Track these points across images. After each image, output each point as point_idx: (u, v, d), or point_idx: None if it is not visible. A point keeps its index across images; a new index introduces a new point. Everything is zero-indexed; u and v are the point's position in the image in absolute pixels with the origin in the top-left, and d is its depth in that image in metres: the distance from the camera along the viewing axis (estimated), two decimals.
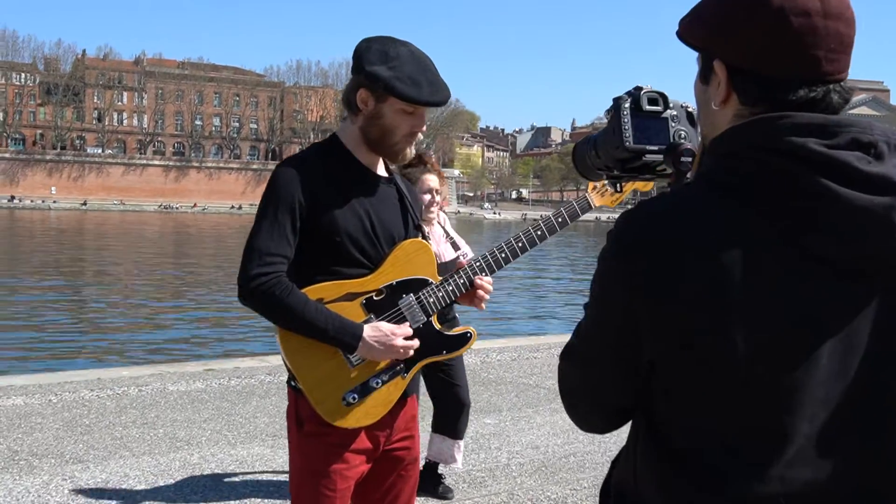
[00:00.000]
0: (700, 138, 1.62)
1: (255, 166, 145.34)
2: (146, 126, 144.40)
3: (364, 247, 2.82)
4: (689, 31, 1.50)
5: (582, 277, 32.28)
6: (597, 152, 1.83)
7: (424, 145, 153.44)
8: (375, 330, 2.79)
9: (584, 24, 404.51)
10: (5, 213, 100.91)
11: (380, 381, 2.84)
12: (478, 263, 3.05)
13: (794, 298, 1.32)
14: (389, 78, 2.72)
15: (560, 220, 3.22)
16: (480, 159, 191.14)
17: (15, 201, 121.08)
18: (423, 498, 5.27)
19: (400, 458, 2.99)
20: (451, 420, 5.34)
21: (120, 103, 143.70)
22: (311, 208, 2.75)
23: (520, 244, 3.11)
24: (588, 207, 3.37)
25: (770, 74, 1.38)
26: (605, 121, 1.84)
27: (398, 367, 2.88)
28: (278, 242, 2.72)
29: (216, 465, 5.80)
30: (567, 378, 1.56)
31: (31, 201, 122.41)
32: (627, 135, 1.74)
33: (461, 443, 5.40)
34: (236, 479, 5.56)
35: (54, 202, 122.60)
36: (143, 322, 19.72)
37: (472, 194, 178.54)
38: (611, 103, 1.80)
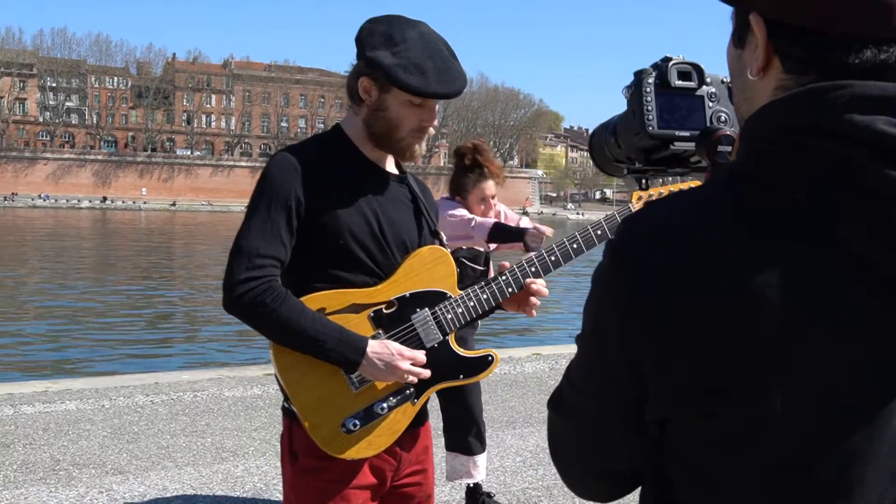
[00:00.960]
0: (736, 113, 1.25)
1: None
2: (233, 128, 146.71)
3: (372, 251, 2.48)
4: None
5: None
6: (616, 140, 1.47)
7: (508, 145, 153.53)
8: (382, 346, 2.44)
9: (670, 21, 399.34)
10: (98, 213, 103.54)
11: (386, 406, 2.49)
12: (529, 263, 2.69)
13: (856, 339, 0.95)
14: (392, 66, 2.38)
15: (599, 233, 2.83)
16: (564, 159, 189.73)
17: (107, 202, 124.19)
18: None
19: (410, 494, 2.64)
20: (460, 436, 4.93)
21: (208, 105, 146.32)
22: (310, 205, 2.41)
23: (553, 258, 2.74)
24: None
25: (823, 30, 0.99)
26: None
27: (408, 392, 2.53)
28: (270, 243, 2.38)
29: (259, 478, 5.54)
30: (556, 433, 1.21)
31: (123, 202, 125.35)
32: (651, 117, 1.38)
33: (478, 458, 4.98)
34: (278, 493, 5.29)
35: (144, 203, 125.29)
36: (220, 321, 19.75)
37: (555, 195, 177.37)
38: (632, 78, 1.45)
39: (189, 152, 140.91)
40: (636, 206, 2.98)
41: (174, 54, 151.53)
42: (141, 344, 15.55)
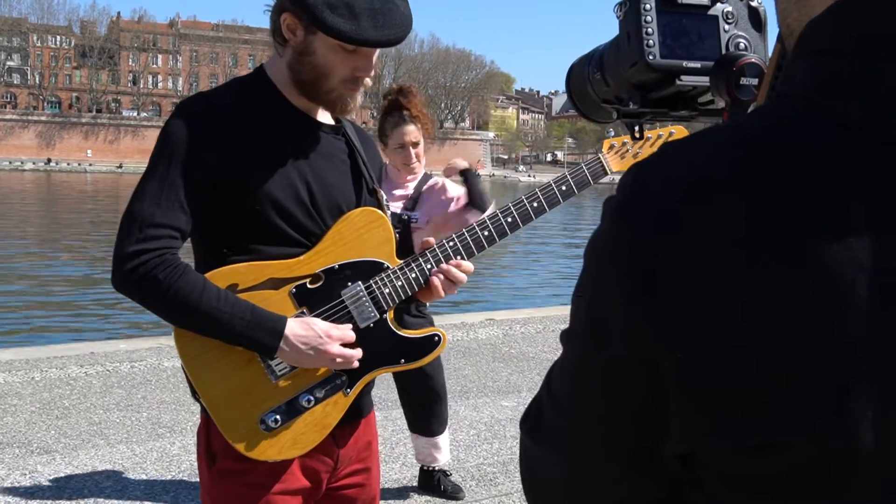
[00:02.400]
0: (778, 39, 0.94)
1: None
2: (181, 89, 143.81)
3: (297, 218, 2.10)
4: None
5: None
6: (603, 76, 1.15)
7: (459, 107, 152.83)
8: (304, 327, 2.08)
9: None
10: (42, 175, 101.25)
11: (312, 398, 2.14)
12: (451, 244, 2.31)
13: None
14: (316, 3, 1.99)
15: (564, 188, 2.47)
16: (515, 122, 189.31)
17: (52, 164, 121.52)
18: (426, 497, 4.66)
19: (351, 497, 2.30)
20: (423, 416, 4.64)
21: (155, 66, 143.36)
22: (220, 163, 2.03)
23: (509, 219, 2.36)
24: (602, 173, 2.57)
25: None
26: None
27: (339, 381, 2.17)
28: (167, 209, 2.01)
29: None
30: (532, 466, 0.88)
31: (68, 164, 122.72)
32: (651, 43, 1.06)
33: (440, 439, 4.70)
34: None
35: (90, 165, 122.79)
36: None
37: (506, 157, 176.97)
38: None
39: (135, 113, 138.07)
40: (608, 156, 2.63)
41: (118, 13, 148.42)
42: (80, 310, 15.01)
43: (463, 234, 2.31)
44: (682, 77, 1.07)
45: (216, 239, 2.10)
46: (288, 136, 2.13)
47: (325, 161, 2.17)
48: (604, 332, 0.76)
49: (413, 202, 4.52)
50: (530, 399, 0.81)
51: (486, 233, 2.33)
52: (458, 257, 2.29)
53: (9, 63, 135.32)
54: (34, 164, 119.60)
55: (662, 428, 0.74)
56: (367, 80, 2.15)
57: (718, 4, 1.09)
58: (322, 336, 2.08)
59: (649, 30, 1.05)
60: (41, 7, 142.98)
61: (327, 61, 2.08)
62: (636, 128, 1.17)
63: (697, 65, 1.07)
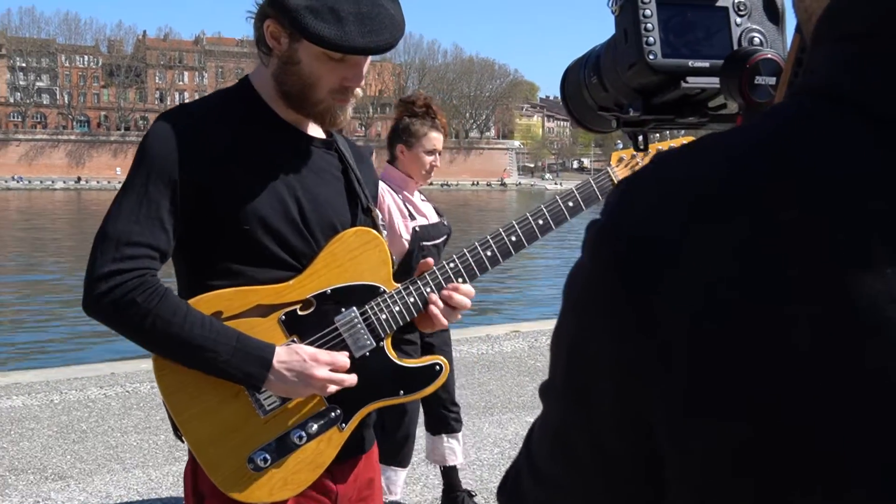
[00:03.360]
0: (797, 30, 0.80)
1: None
2: None
3: (287, 239, 1.96)
4: None
5: None
6: (601, 79, 1.02)
7: (484, 117, 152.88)
8: (289, 352, 1.92)
9: None
10: (73, 194, 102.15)
11: (304, 434, 1.98)
12: (451, 265, 2.15)
13: None
14: (298, 8, 1.84)
15: (571, 204, 2.31)
16: (541, 130, 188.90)
17: (82, 182, 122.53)
18: None
19: None
20: (438, 415, 4.54)
21: (181, 83, 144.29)
22: (203, 180, 1.90)
23: (513, 238, 2.21)
24: (611, 187, 2.45)
25: None
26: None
27: (333, 415, 2.02)
28: (146, 227, 1.86)
29: None
30: None
31: (97, 182, 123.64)
32: (651, 41, 0.93)
33: (455, 439, 4.59)
34: None
35: (119, 182, 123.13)
36: None
37: (532, 165, 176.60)
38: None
39: None
40: (616, 168, 2.47)
41: (144, 31, 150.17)
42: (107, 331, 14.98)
43: (464, 254, 2.17)
44: (688, 78, 0.93)
45: (199, 262, 1.97)
46: (275, 151, 1.99)
47: (316, 177, 2.03)
48: (587, 387, 0.62)
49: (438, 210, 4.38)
50: None
51: (488, 253, 2.18)
52: (460, 280, 2.14)
53: (38, 84, 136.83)
54: (64, 182, 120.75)
55: (659, 482, 0.60)
56: (357, 91, 2.01)
57: None
58: (307, 360, 1.93)
59: (649, 25, 0.92)
60: (69, 28, 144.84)
61: (313, 71, 1.94)
62: (639, 138, 1.03)
63: (705, 64, 0.93)
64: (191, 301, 1.91)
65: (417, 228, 4.12)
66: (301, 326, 1.99)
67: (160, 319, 1.85)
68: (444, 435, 4.54)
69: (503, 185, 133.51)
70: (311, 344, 1.99)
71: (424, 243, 4.12)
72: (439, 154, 4.28)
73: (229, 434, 1.95)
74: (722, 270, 0.54)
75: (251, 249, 1.94)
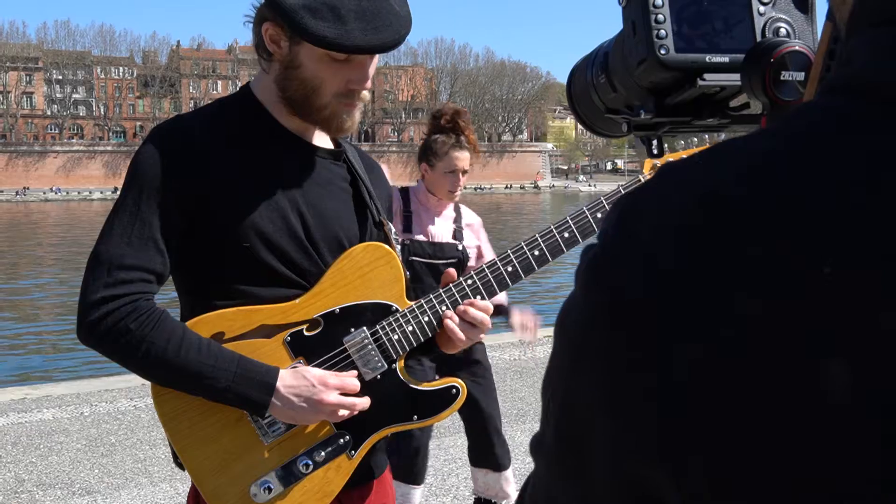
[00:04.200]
0: (828, 17, 0.70)
1: None
2: None
3: (292, 256, 1.86)
4: None
5: None
6: (609, 79, 0.92)
7: (517, 119, 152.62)
8: (296, 376, 1.83)
9: None
10: (110, 204, 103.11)
11: (311, 462, 1.89)
12: (469, 282, 2.03)
13: None
14: (296, 8, 1.74)
15: (599, 215, 2.16)
16: (574, 131, 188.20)
17: (118, 192, 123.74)
18: None
19: None
20: (484, 449, 4.37)
21: (215, 92, 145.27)
22: (200, 196, 1.80)
23: (536, 252, 2.08)
24: None
25: None
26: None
27: (342, 441, 1.91)
28: (139, 249, 1.78)
29: None
30: None
31: None
32: (663, 34, 0.83)
33: (508, 472, 4.43)
34: None
35: None
36: None
37: (566, 167, 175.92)
38: None
39: None
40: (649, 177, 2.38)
41: (178, 42, 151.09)
42: None
43: (483, 270, 2.06)
44: (706, 75, 0.83)
45: (200, 281, 1.88)
46: (278, 162, 1.90)
47: (322, 189, 1.93)
48: (581, 448, 0.52)
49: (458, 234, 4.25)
50: None
51: (509, 269, 2.06)
52: (478, 297, 2.03)
53: (74, 96, 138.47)
54: (101, 193, 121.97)
55: None
56: (365, 94, 1.91)
57: None
58: (316, 384, 1.83)
59: (660, 17, 0.82)
60: (104, 40, 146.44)
61: (316, 74, 1.84)
62: (653, 141, 0.93)
63: (725, 59, 0.83)
64: (191, 322, 1.83)
65: (408, 242, 4.00)
66: (307, 348, 1.90)
67: (155, 346, 1.76)
68: (487, 470, 4.41)
69: (536, 187, 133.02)
70: (318, 366, 1.90)
71: (415, 259, 4.00)
72: (464, 173, 4.13)
73: (231, 462, 1.86)
74: (728, 311, 0.44)
75: (252, 267, 1.84)
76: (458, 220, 4.24)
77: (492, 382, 4.44)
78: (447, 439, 5.36)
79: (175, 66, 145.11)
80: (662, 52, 0.81)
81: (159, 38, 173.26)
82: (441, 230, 4.14)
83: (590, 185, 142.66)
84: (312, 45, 1.78)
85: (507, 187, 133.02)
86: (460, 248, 4.18)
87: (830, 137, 0.47)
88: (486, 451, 4.35)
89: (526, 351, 8.84)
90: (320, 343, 1.91)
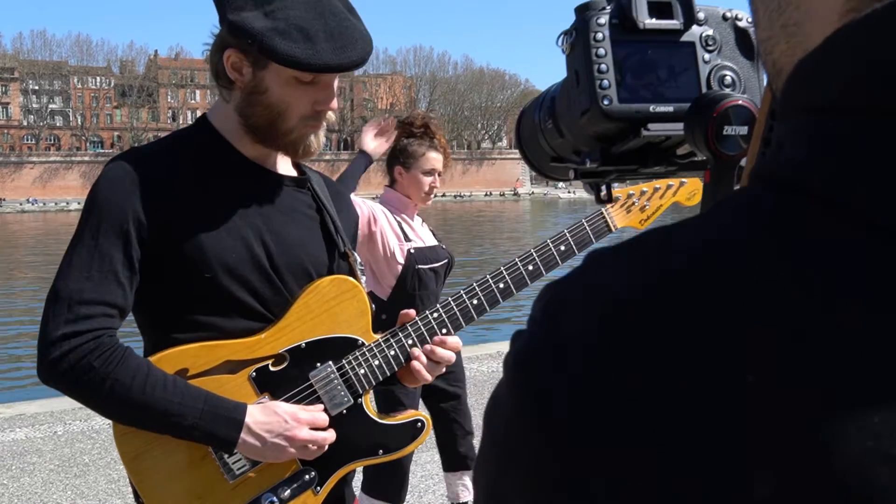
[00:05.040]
0: (766, 66, 0.69)
1: (327, 157, 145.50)
2: None
3: (254, 285, 1.83)
4: None
5: None
6: (556, 124, 0.90)
7: (496, 127, 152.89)
8: (267, 412, 1.80)
9: None
10: None
11: (276, 499, 1.86)
12: (435, 315, 2.03)
13: None
14: (264, 31, 1.72)
15: (563, 248, 2.24)
16: None
17: None
18: None
19: None
20: (455, 452, 4.39)
21: (193, 101, 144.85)
22: (160, 227, 1.77)
23: (501, 285, 2.11)
24: (606, 230, 2.36)
25: None
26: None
27: (307, 478, 1.89)
28: (100, 283, 1.73)
29: None
30: None
31: None
32: (606, 84, 0.82)
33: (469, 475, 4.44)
34: None
35: None
36: None
37: None
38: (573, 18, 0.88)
39: None
40: (612, 211, 2.37)
41: (156, 51, 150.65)
42: None
43: (449, 303, 2.06)
44: (650, 126, 0.81)
45: (162, 314, 1.85)
46: (238, 191, 1.87)
47: (286, 217, 1.90)
48: None
49: (435, 235, 4.28)
50: None
51: (475, 301, 2.08)
52: (444, 330, 2.02)
53: (51, 106, 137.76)
54: (79, 203, 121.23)
55: None
56: (330, 115, 1.89)
57: (695, 27, 0.84)
58: (288, 420, 1.81)
59: (603, 66, 0.80)
60: (80, 49, 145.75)
61: (283, 97, 1.82)
62: (601, 188, 0.92)
63: (669, 108, 0.82)
64: (154, 358, 1.79)
65: (412, 251, 4.01)
66: (273, 383, 1.87)
67: (119, 384, 1.72)
68: (459, 472, 4.41)
69: (516, 194, 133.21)
70: (284, 402, 1.87)
71: (420, 266, 4.00)
72: (439, 175, 4.16)
73: (195, 502, 1.83)
74: (646, 415, 0.42)
75: (216, 298, 1.81)
76: (425, 221, 4.27)
77: (464, 385, 4.47)
78: (424, 454, 5.34)
79: (153, 75, 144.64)
80: (605, 102, 0.80)
81: (137, 48, 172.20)
82: (426, 234, 4.15)
83: (569, 192, 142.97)
84: (283, 66, 1.76)
85: (486, 194, 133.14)
86: (445, 247, 4.21)
87: (753, 247, 0.45)
88: (458, 454, 4.36)
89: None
90: (286, 378, 1.88)
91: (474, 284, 2.10)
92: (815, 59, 0.48)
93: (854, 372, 0.40)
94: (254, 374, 1.86)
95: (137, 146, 1.93)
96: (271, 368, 1.87)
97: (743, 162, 0.81)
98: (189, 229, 1.79)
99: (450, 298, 2.08)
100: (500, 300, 2.12)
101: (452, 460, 4.40)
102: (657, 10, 0.82)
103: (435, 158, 4.12)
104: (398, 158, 4.16)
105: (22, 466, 5.90)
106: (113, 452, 6.07)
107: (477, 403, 7.08)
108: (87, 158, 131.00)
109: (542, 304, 0.50)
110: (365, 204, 4.02)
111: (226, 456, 1.84)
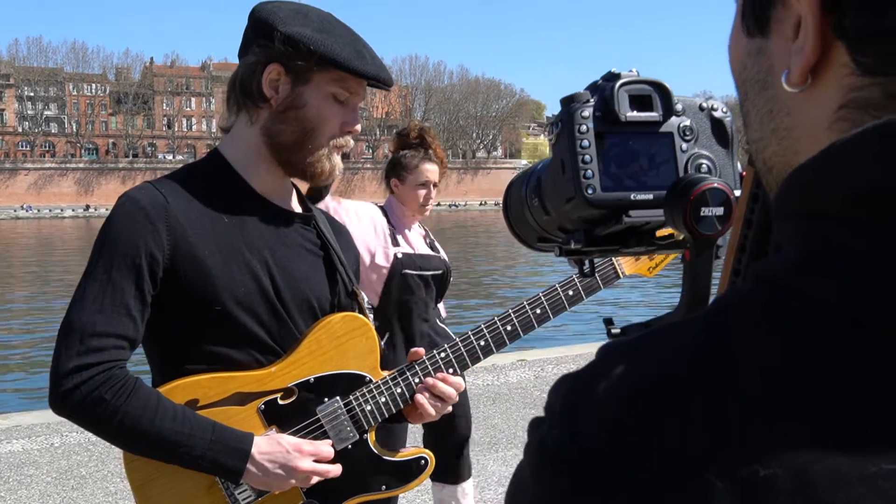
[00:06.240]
0: (750, 162, 0.75)
1: None
2: (214, 130, 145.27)
3: (262, 318, 1.89)
4: None
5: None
6: (542, 203, 0.96)
7: (491, 136, 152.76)
8: (271, 443, 1.86)
9: (652, 4, 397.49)
10: (82, 222, 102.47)
11: None
12: (443, 354, 2.11)
13: None
14: (323, 40, 1.83)
15: (571, 293, 2.33)
16: (548, 148, 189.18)
17: (91, 210, 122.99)
18: None
19: None
20: (446, 462, 4.36)
21: (188, 109, 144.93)
22: (171, 261, 1.83)
23: (509, 328, 2.21)
24: (615, 276, 2.44)
25: None
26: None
27: None
28: (112, 316, 1.79)
29: None
30: None
31: (106, 209, 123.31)
32: (590, 174, 0.87)
33: (466, 485, 4.46)
34: None
35: None
36: None
37: None
38: (559, 107, 0.93)
39: (171, 157, 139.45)
40: (621, 258, 2.42)
41: (151, 58, 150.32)
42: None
43: (456, 344, 2.15)
44: (631, 212, 0.87)
45: (171, 345, 1.91)
46: (247, 225, 1.93)
47: (292, 252, 1.97)
48: None
49: (433, 246, 4.33)
50: None
51: (482, 343, 2.17)
52: (450, 370, 2.10)
53: (46, 113, 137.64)
54: (73, 210, 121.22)
55: None
56: (350, 142, 1.97)
57: (673, 118, 0.89)
58: (290, 451, 1.87)
59: (587, 157, 0.86)
60: (76, 56, 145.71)
61: (319, 113, 1.90)
62: (584, 264, 0.97)
63: (649, 196, 0.87)
64: (166, 388, 1.85)
65: (400, 255, 4.05)
66: (281, 416, 1.93)
67: (130, 416, 1.77)
68: (443, 484, 4.44)
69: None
70: (291, 435, 1.93)
71: (407, 271, 4.05)
72: (434, 186, 4.22)
73: None
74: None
75: (224, 330, 1.88)
76: (427, 233, 4.32)
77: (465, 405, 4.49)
78: None
79: (148, 82, 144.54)
80: (589, 191, 0.85)
81: (132, 55, 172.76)
82: (418, 243, 4.21)
83: None
84: (341, 70, 1.85)
85: (481, 204, 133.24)
86: (444, 258, 4.27)
87: (758, 344, 0.50)
88: (444, 464, 4.38)
89: (499, 376, 8.87)
90: (294, 412, 1.94)
91: (482, 325, 2.19)
92: (812, 171, 0.53)
93: (831, 454, 0.45)
94: (262, 406, 1.91)
95: (150, 180, 1.98)
96: (280, 402, 1.93)
97: (721, 246, 0.87)
98: (200, 263, 1.85)
99: (458, 339, 2.16)
100: (508, 342, 2.22)
101: (439, 471, 4.42)
102: (637, 103, 0.88)
103: (430, 170, 4.18)
104: (394, 170, 4.23)
105: (19, 479, 5.94)
106: (110, 465, 6.12)
107: (473, 416, 7.14)
108: (81, 165, 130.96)
109: (560, 395, 0.55)
110: (359, 206, 4.08)
111: (232, 486, 1.90)
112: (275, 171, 1.97)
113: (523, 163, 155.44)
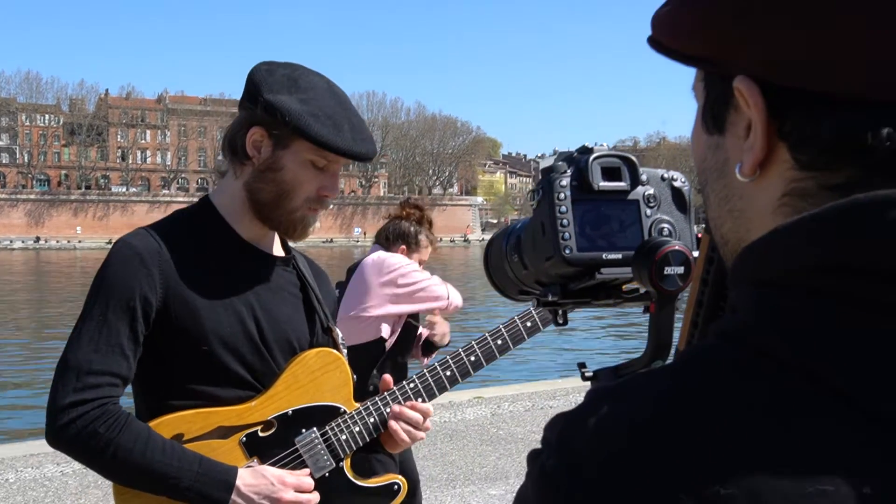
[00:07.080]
0: (706, 230, 0.87)
1: None
2: (169, 163, 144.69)
3: (246, 357, 2.01)
4: (678, 27, 0.69)
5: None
6: (521, 258, 1.08)
7: (447, 173, 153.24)
8: (255, 475, 1.97)
9: (605, 45, 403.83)
10: (32, 254, 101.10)
11: None
12: (412, 385, 2.26)
13: None
14: (300, 113, 1.94)
15: (529, 325, 2.51)
16: (503, 186, 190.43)
17: (41, 242, 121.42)
18: None
19: None
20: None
21: (143, 141, 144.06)
22: (163, 303, 1.96)
23: (472, 358, 2.37)
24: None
25: (866, 97, 0.60)
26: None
27: None
28: (106, 355, 1.91)
29: None
30: None
31: (57, 241, 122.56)
32: (567, 236, 0.98)
33: None
34: None
35: (80, 242, 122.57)
36: None
37: (495, 221, 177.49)
38: (538, 176, 1.06)
39: (125, 189, 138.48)
40: None
41: (107, 90, 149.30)
42: None
43: (424, 374, 2.30)
44: (603, 270, 0.99)
45: (158, 382, 2.02)
46: (235, 270, 2.06)
47: (275, 295, 2.10)
48: None
49: None
50: (518, 486, 0.68)
51: (448, 373, 2.32)
52: (420, 399, 2.24)
53: None
54: (23, 242, 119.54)
55: None
56: (329, 204, 2.10)
57: (639, 188, 1.02)
58: (275, 483, 1.98)
59: (564, 221, 0.98)
60: (30, 87, 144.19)
61: (295, 177, 2.01)
62: (559, 313, 1.09)
63: (618, 255, 0.99)
64: (153, 423, 1.96)
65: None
66: (261, 448, 2.04)
67: (122, 449, 1.88)
68: None
69: (466, 241, 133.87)
70: (272, 465, 2.04)
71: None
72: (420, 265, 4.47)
73: None
74: None
75: (210, 368, 1.99)
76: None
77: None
78: None
79: (103, 114, 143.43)
80: (567, 251, 0.97)
81: (87, 86, 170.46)
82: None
83: None
84: (314, 144, 1.96)
85: (437, 240, 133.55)
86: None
87: (719, 385, 0.61)
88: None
89: (456, 413, 8.95)
90: (274, 443, 2.06)
91: (447, 357, 2.33)
92: (762, 250, 0.65)
93: (778, 477, 0.56)
94: (244, 438, 2.03)
95: (144, 226, 2.09)
96: (260, 434, 2.04)
97: (681, 298, 1.00)
98: (189, 305, 1.97)
99: (425, 370, 2.31)
100: (471, 372, 2.38)
101: None
102: (608, 174, 1.00)
103: (428, 252, 4.52)
104: (406, 238, 4.45)
105: None
106: (66, 501, 6.10)
107: (430, 454, 7.23)
108: (32, 196, 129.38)
109: (555, 432, 0.66)
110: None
111: None
112: (258, 221, 2.09)
113: (479, 200, 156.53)
